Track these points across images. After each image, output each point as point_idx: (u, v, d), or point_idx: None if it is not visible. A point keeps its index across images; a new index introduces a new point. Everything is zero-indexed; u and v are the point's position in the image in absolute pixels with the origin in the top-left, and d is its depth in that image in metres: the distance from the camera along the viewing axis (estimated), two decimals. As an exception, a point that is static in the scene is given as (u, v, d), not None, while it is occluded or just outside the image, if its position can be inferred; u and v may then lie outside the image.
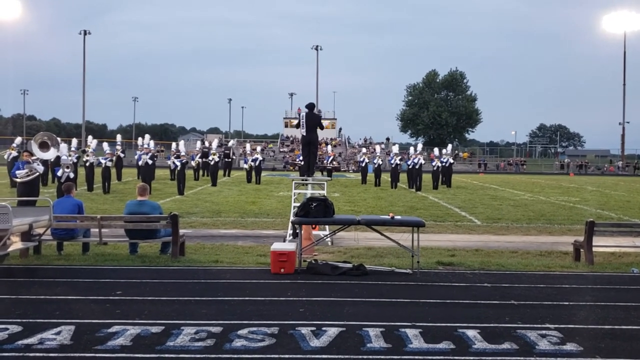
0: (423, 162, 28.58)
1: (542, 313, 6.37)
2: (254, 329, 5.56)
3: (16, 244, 8.54)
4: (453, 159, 35.08)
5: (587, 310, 6.70)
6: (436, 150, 32.07)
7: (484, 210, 17.93)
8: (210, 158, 30.30)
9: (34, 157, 13.70)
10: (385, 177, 31.56)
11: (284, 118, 77.01)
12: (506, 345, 5.23)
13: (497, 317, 6.17)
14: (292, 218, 10.50)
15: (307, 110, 11.77)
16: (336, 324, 5.76)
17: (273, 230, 12.94)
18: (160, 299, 6.76)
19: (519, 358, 4.97)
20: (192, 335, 5.34)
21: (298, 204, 9.65)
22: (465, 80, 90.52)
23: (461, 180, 37.40)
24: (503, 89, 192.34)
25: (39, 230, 8.86)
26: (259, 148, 38.66)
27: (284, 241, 10.42)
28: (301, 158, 13.39)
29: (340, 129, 77.55)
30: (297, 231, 9.21)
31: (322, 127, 11.97)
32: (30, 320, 5.75)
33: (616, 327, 5.91)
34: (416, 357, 4.95)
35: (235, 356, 4.89)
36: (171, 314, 6.09)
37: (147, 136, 33.71)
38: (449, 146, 36.22)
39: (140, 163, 26.97)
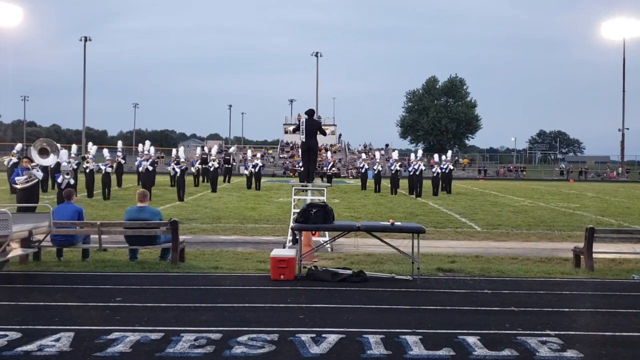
0: (423, 168, 28.60)
1: (542, 319, 6.36)
2: (254, 335, 5.55)
3: (16, 250, 8.53)
4: (453, 165, 35.09)
5: (588, 316, 6.68)
6: (436, 157, 32.09)
7: (484, 217, 17.92)
8: (209, 164, 30.30)
9: (33, 164, 13.71)
10: (385, 183, 31.56)
11: (284, 124, 77.07)
12: (506, 352, 5.22)
13: (497, 324, 6.15)
14: (291, 224, 10.49)
15: (307, 116, 11.79)
16: (336, 330, 5.74)
17: (273, 237, 12.93)
18: (159, 306, 6.75)
19: (519, 365, 4.96)
20: (192, 342, 5.33)
21: (298, 210, 9.65)
22: (464, 87, 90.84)
23: (461, 186, 37.40)
24: (502, 95, 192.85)
25: (38, 237, 8.85)
26: (259, 154, 38.73)
27: (284, 247, 10.40)
28: (301, 164, 13.40)
29: (340, 135, 77.67)
30: (297, 237, 9.20)
31: (324, 133, 11.98)
32: (30, 327, 5.73)
33: (617, 333, 5.90)
34: (416, 363, 4.93)
35: (235, 363, 4.87)
36: (171, 320, 6.08)
37: (147, 142, 33.74)
38: (449, 152, 36.24)
39: (140, 169, 26.97)
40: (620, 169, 68.80)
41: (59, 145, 15.75)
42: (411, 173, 27.92)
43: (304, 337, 5.51)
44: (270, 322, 6.05)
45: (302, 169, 12.85)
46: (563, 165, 72.87)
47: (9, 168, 25.37)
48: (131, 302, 6.90)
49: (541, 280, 8.59)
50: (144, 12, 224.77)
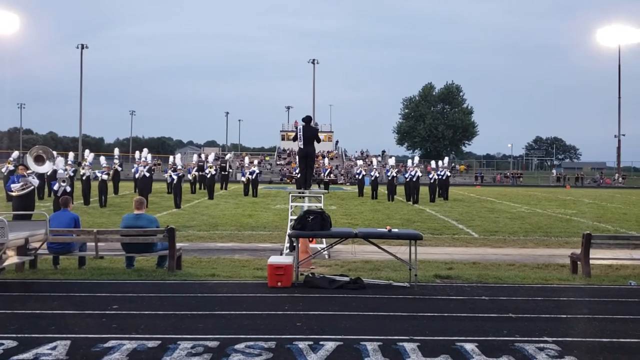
0: (420, 174, 28.62)
1: (539, 326, 6.36)
2: (251, 343, 5.54)
3: (12, 258, 8.51)
4: (450, 171, 35.15)
5: (585, 323, 6.68)
6: (433, 163, 32.13)
7: (481, 223, 17.93)
8: (206, 171, 30.29)
9: (29, 171, 13.67)
10: (382, 189, 31.56)
11: (281, 131, 77.13)
12: (504, 359, 5.21)
13: (494, 331, 6.15)
14: (289, 231, 10.48)
15: (304, 123, 11.82)
16: (333, 338, 5.73)
17: (270, 244, 12.92)
18: (156, 313, 6.73)
19: (517, 372, 4.95)
20: (189, 350, 5.31)
21: (295, 217, 9.64)
22: (461, 93, 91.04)
23: (458, 192, 37.45)
24: (499, 101, 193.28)
25: (35, 244, 8.82)
26: (256, 161, 38.72)
27: (281, 254, 10.39)
28: (298, 171, 13.41)
29: (337, 141, 77.72)
30: (294, 244, 9.19)
31: (318, 140, 12.01)
32: (26, 335, 5.70)
33: (614, 340, 5.90)
34: (414, 371, 4.92)
35: (232, 371, 4.86)
36: (168, 328, 6.06)
37: (144, 150, 33.73)
38: (446, 159, 36.29)
39: (137, 176, 26.93)
40: (616, 175, 68.99)
41: (55, 152, 15.73)
42: (408, 179, 27.95)
43: (302, 345, 5.49)
44: (267, 329, 6.04)
45: (299, 175, 12.86)
46: (554, 172, 73.09)
47: (5, 176, 25.30)
48: (128, 309, 6.87)
49: (538, 287, 8.60)
50: (141, 19, 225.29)
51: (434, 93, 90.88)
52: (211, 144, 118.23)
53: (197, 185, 33.58)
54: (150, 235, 9.34)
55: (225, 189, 36.02)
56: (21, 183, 13.19)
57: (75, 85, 67.35)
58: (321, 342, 5.57)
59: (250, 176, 31.40)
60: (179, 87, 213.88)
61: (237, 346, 5.43)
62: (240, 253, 11.53)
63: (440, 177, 29.79)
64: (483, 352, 5.36)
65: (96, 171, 25.46)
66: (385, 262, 10.15)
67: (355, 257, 10.86)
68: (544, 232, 15.98)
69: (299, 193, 12.08)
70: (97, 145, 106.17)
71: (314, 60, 71.16)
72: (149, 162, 29.43)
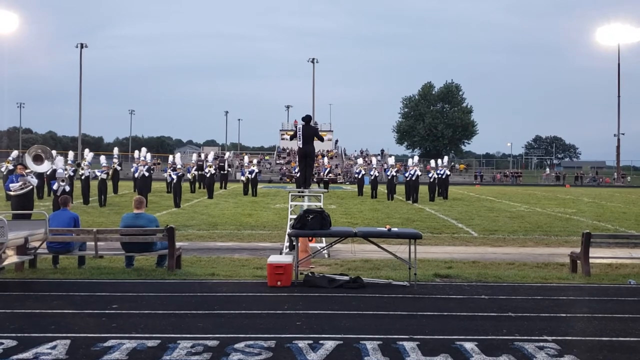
0: (420, 174, 28.62)
1: (539, 325, 6.36)
2: (251, 342, 5.54)
3: (11, 258, 8.51)
4: (449, 170, 35.14)
5: (585, 322, 6.69)
6: (432, 162, 32.11)
7: (480, 222, 17.94)
8: (206, 170, 30.30)
9: (28, 170, 13.67)
10: (382, 189, 31.56)
11: (281, 130, 77.12)
12: (504, 358, 5.21)
13: (494, 330, 6.15)
14: (288, 230, 10.48)
15: (303, 122, 11.82)
16: (333, 337, 5.73)
17: (269, 243, 12.92)
18: (156, 313, 6.73)
19: (516, 371, 4.95)
20: (189, 349, 5.31)
21: (294, 216, 9.64)
22: (460, 93, 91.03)
23: (457, 192, 37.45)
24: (498, 101, 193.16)
25: (34, 244, 8.82)
26: (255, 160, 38.70)
27: (281, 254, 10.39)
28: (297, 170, 13.40)
29: (337, 141, 77.71)
30: (294, 243, 9.19)
31: (321, 139, 12.02)
32: (25, 335, 5.70)
33: (614, 339, 5.90)
34: (414, 370, 4.93)
35: (232, 370, 4.86)
36: (167, 327, 6.06)
37: (143, 149, 33.72)
38: (445, 158, 36.28)
39: (137, 175, 26.93)
40: (616, 174, 69.02)
41: (54, 152, 15.73)
42: (407, 179, 27.95)
43: (301, 344, 5.49)
44: (267, 328, 6.04)
45: (298, 175, 12.85)
46: (547, 171, 73.16)
47: (4, 175, 25.31)
48: (127, 309, 6.87)
49: (538, 286, 8.60)
50: (140, 19, 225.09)
51: (434, 92, 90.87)
52: (211, 143, 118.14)
53: (197, 185, 33.57)
54: (150, 234, 9.33)
55: (225, 188, 36.01)
56: (20, 183, 13.18)
57: (75, 85, 67.39)
58: (321, 341, 5.57)
59: (249, 175, 31.39)
60: (179, 87, 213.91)
61: (236, 345, 5.43)
62: (240, 252, 11.53)
63: (439, 176, 29.78)
64: (483, 351, 5.36)
65: (96, 170, 25.46)
66: (385, 261, 10.15)
67: (354, 256, 10.86)
68: (544, 231, 15.98)
69: (299, 192, 12.08)
70: (97, 145, 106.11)
71: (313, 59, 71.22)
72: (148, 161, 29.41)
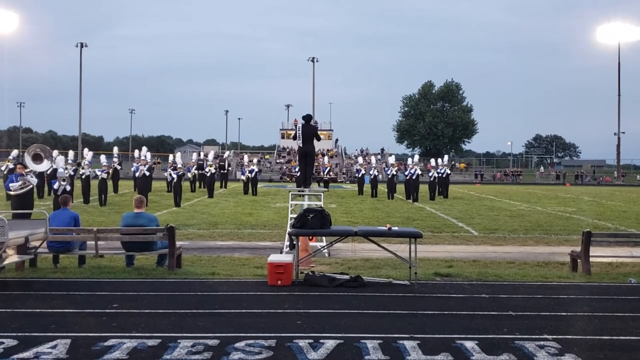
0: (420, 172, 28.61)
1: (540, 324, 6.36)
2: (251, 341, 5.54)
3: (12, 257, 8.51)
4: (450, 169, 35.14)
5: (585, 320, 6.69)
6: (432, 161, 32.10)
7: (480, 221, 17.93)
8: (206, 170, 30.30)
9: (27, 170, 13.66)
10: (382, 188, 31.55)
11: (281, 129, 77.10)
12: (504, 357, 5.21)
13: (495, 328, 6.15)
14: (289, 229, 10.48)
15: (303, 122, 11.82)
16: (334, 336, 5.73)
17: (270, 242, 12.92)
18: (156, 312, 6.73)
19: (517, 369, 4.95)
20: (189, 348, 5.31)
21: (295, 215, 9.64)
22: (460, 91, 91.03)
23: (458, 190, 37.45)
24: (498, 99, 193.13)
25: (35, 243, 8.82)
26: (255, 159, 38.70)
27: (281, 253, 10.39)
28: (298, 169, 13.41)
29: (337, 140, 77.68)
30: (294, 243, 9.19)
31: (318, 139, 12.02)
32: (26, 334, 5.70)
33: (614, 337, 5.90)
34: (414, 369, 4.92)
35: (233, 369, 4.85)
36: (168, 326, 6.06)
37: (144, 148, 33.74)
38: (446, 157, 36.27)
39: (137, 174, 26.94)
40: (616, 172, 69.00)
41: (55, 151, 15.73)
42: (408, 178, 27.94)
43: (302, 343, 5.49)
44: (267, 327, 6.04)
45: (299, 174, 12.85)
46: (541, 169, 73.18)
47: (4, 175, 25.31)
48: (128, 308, 6.87)
49: (538, 285, 8.60)
50: (140, 19, 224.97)
51: (434, 91, 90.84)
52: (211, 142, 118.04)
53: (197, 184, 33.56)
54: (150, 233, 9.33)
55: (225, 187, 36.00)
56: (20, 182, 13.17)
57: (75, 84, 67.37)
58: (321, 340, 5.57)
59: (249, 174, 31.39)
60: (179, 86, 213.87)
61: (237, 344, 5.43)
62: (240, 251, 11.53)
63: (440, 175, 29.78)
64: (483, 350, 5.36)
65: (96, 170, 25.47)
66: (385, 260, 10.15)
67: (355, 255, 10.86)
68: (544, 229, 15.98)
69: (299, 191, 12.08)
70: (97, 144, 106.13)
71: (313, 58, 71.22)
72: (149, 160, 29.41)
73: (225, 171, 37.55)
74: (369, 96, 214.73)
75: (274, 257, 8.49)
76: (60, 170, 18.07)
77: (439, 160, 34.55)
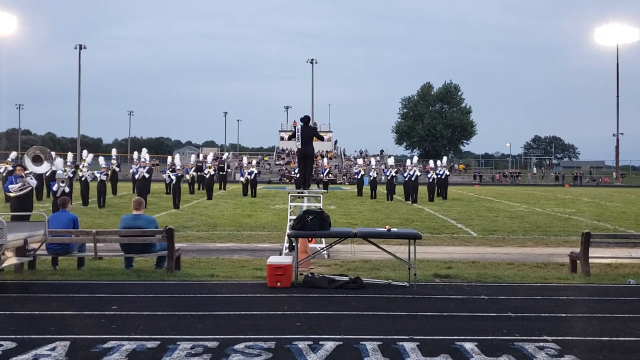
0: (419, 174, 28.62)
1: (539, 325, 6.36)
2: (251, 343, 5.53)
3: (11, 259, 8.48)
4: (449, 171, 35.15)
5: (585, 321, 6.68)
6: (431, 163, 32.10)
7: (479, 222, 17.94)
8: (205, 171, 30.31)
9: (27, 172, 13.65)
10: (381, 189, 31.54)
11: (280, 131, 77.13)
12: (504, 358, 5.21)
13: (494, 330, 6.15)
14: (288, 231, 10.48)
15: (302, 123, 11.82)
16: (333, 337, 5.73)
17: (269, 244, 12.91)
18: (156, 314, 6.72)
19: (517, 371, 4.95)
20: (188, 350, 5.30)
21: (294, 217, 9.64)
22: (459, 93, 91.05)
23: (457, 192, 37.46)
24: (497, 101, 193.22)
25: (33, 245, 8.81)
26: (254, 161, 38.70)
27: (280, 254, 10.38)
28: (297, 171, 13.40)
29: (336, 141, 77.73)
30: (294, 244, 9.19)
31: (321, 139, 12.04)
32: (25, 336, 5.69)
33: (614, 338, 5.90)
34: (414, 370, 4.92)
35: (232, 371, 4.85)
36: (167, 328, 6.05)
37: (143, 150, 33.71)
38: (444, 158, 36.29)
39: (137, 176, 26.93)
40: (615, 174, 69.04)
41: (53, 153, 15.72)
42: (407, 179, 27.96)
43: (301, 345, 5.49)
44: (267, 329, 6.03)
45: (298, 175, 12.85)
46: (535, 170, 73.24)
47: (4, 176, 25.28)
48: (127, 310, 6.86)
49: (538, 286, 8.60)
50: (138, 20, 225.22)
51: (433, 92, 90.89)
52: (210, 144, 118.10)
53: (196, 186, 33.56)
54: (149, 235, 9.33)
55: (224, 189, 36.00)
56: (19, 184, 13.17)
57: (74, 86, 67.52)
58: (321, 342, 5.57)
59: (249, 176, 31.39)
60: (177, 87, 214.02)
61: (236, 346, 5.42)
62: (240, 253, 11.52)
63: (439, 176, 29.80)
64: (482, 352, 5.35)
65: (95, 172, 25.45)
66: (385, 261, 10.15)
67: (354, 256, 10.85)
68: (543, 231, 15.98)
69: (298, 193, 12.08)
70: (96, 146, 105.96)
71: (312, 60, 71.23)
72: (148, 162, 29.38)
73: (225, 173, 37.54)
74: (368, 97, 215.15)
75: (273, 259, 8.49)
76: (59, 172, 18.04)
77: (438, 161, 34.55)
